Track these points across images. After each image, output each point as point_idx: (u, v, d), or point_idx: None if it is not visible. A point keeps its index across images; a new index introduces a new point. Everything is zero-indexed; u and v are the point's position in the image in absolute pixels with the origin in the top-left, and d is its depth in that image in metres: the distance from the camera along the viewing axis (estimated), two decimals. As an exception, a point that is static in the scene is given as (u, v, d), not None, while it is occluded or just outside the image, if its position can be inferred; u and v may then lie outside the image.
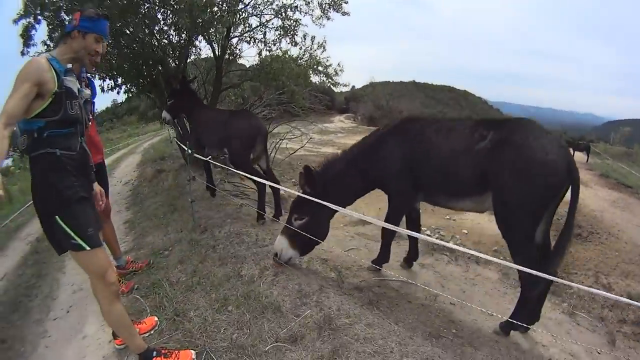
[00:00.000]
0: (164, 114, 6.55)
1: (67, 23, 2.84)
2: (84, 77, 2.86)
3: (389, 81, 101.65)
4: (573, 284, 2.36)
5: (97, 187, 3.01)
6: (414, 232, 3.27)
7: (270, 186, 5.43)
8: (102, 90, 8.55)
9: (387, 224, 3.59)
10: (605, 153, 22.18)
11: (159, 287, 3.99)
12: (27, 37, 7.24)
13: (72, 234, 2.48)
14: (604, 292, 2.24)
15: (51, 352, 3.58)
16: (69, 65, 2.58)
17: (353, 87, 51.29)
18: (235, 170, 5.99)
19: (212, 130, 6.01)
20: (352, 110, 44.81)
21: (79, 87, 2.67)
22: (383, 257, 4.39)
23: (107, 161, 14.64)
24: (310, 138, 14.08)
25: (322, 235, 4.09)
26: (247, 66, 10.49)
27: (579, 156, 18.97)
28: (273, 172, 6.17)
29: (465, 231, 7.24)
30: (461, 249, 2.83)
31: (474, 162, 3.35)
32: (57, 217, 2.48)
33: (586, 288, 2.26)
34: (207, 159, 5.83)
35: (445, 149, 3.51)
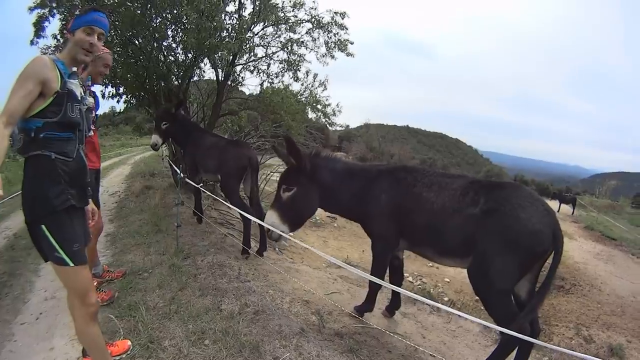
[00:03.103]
0: (155, 138, 6.37)
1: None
2: (88, 86, 2.96)
3: (383, 124, 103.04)
4: (548, 345, 2.38)
5: (91, 204, 2.89)
6: (398, 288, 3.18)
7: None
8: (103, 96, 8.52)
9: (373, 275, 3.61)
10: (591, 205, 22.42)
11: (135, 310, 3.87)
12: (39, 27, 7.30)
13: (57, 246, 2.37)
14: (577, 353, 2.22)
15: (16, 357, 3.47)
16: (74, 69, 2.55)
17: (347, 126, 51.82)
18: (221, 200, 5.97)
19: (210, 155, 5.99)
20: (344, 150, 45.18)
21: (82, 93, 2.64)
22: (367, 306, 4.31)
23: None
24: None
25: (310, 208, 4.02)
26: (247, 94, 10.58)
27: (565, 209, 19.20)
28: (261, 206, 6.11)
29: (448, 279, 7.23)
30: (442, 306, 2.80)
31: (461, 226, 3.32)
32: (43, 225, 2.38)
33: (560, 349, 2.27)
34: (198, 185, 5.80)
35: (435, 207, 3.47)
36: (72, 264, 2.40)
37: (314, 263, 7.94)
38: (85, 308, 2.52)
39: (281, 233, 3.82)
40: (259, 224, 5.65)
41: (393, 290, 4.37)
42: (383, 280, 3.93)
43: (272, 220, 3.82)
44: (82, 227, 2.62)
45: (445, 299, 6.52)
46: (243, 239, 5.59)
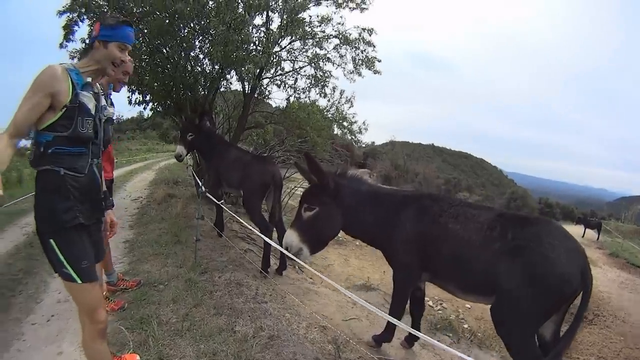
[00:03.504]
0: (180, 149, 6.35)
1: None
2: (109, 94, 2.88)
3: (408, 142, 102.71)
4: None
5: (109, 215, 2.87)
6: (415, 331, 3.00)
7: (279, 237, 5.31)
8: (130, 102, 8.59)
9: (393, 306, 3.62)
10: (616, 231, 21.90)
11: (147, 323, 3.77)
12: (68, 31, 7.35)
13: (65, 262, 2.30)
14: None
15: (23, 357, 3.44)
16: (88, 79, 2.40)
17: (373, 143, 51.71)
18: (242, 222, 5.90)
19: (233, 169, 5.94)
20: (369, 167, 45.01)
21: (100, 104, 2.53)
22: (385, 336, 4.11)
23: (121, 172, 14.72)
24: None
25: (333, 230, 3.82)
26: (274, 107, 10.55)
27: (590, 234, 18.67)
28: (283, 224, 5.99)
29: (469, 305, 7.03)
30: (456, 352, 2.63)
31: (487, 262, 3.13)
32: (51, 240, 2.31)
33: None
34: (220, 202, 5.72)
35: (460, 241, 3.29)
36: (79, 282, 2.32)
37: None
38: (94, 325, 2.45)
39: (294, 257, 3.66)
40: (278, 238, 5.59)
41: (412, 320, 4.19)
42: (403, 312, 3.78)
43: (291, 239, 3.66)
44: (94, 243, 2.55)
45: (465, 326, 6.30)
46: (263, 257, 5.49)
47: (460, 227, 3.32)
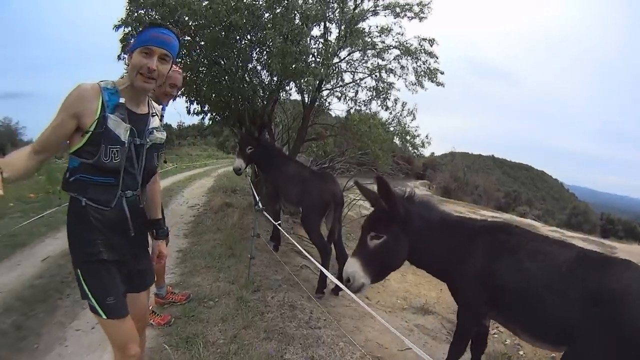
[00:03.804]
0: (239, 162, 6.22)
1: None
2: (161, 115, 2.51)
3: (468, 152, 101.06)
4: None
5: (160, 246, 2.66)
6: None
7: (337, 257, 5.32)
8: (188, 112, 8.68)
9: (454, 346, 3.36)
10: None
11: (193, 343, 3.67)
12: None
13: (90, 294, 2.15)
14: None
15: None
16: (120, 100, 2.13)
17: (432, 154, 50.97)
18: (298, 246, 5.76)
19: (292, 185, 5.82)
20: (428, 178, 44.43)
21: (148, 126, 2.29)
22: None
23: (180, 177, 14.97)
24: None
25: (399, 261, 3.43)
26: (334, 116, 10.41)
27: None
28: (342, 244, 5.82)
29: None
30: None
31: (561, 310, 2.78)
32: (78, 270, 2.17)
33: None
34: (277, 223, 5.58)
35: (535, 282, 2.92)
36: (104, 317, 2.15)
37: (389, 299, 7.54)
38: (125, 359, 2.28)
39: (350, 292, 3.29)
40: (339, 260, 5.42)
41: (473, 356, 3.84)
42: (464, 350, 3.46)
43: (353, 270, 3.26)
44: (133, 274, 2.38)
45: (521, 352, 5.92)
46: (319, 279, 5.31)
47: (535, 266, 2.96)
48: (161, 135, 2.39)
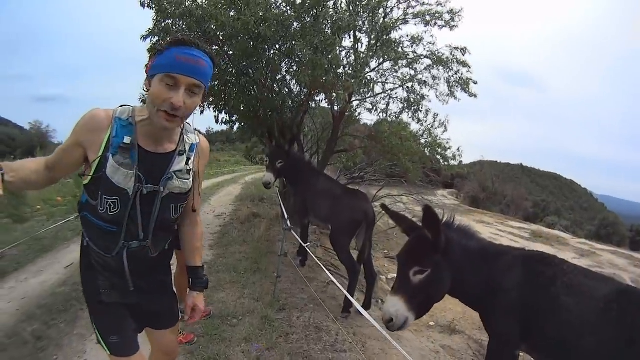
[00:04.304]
0: (269, 176, 6.06)
1: None
2: (188, 153, 1.98)
3: (496, 161, 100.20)
4: None
5: (195, 299, 2.20)
6: None
7: (366, 275, 5.27)
8: (217, 121, 8.60)
9: None
10: None
11: (215, 363, 3.55)
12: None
13: (96, 329, 2.02)
14: None
15: None
16: (126, 139, 1.75)
17: (460, 162, 50.53)
18: (324, 268, 5.68)
19: (322, 201, 5.70)
20: (457, 187, 44.08)
21: (169, 169, 1.88)
22: None
23: (208, 184, 15.07)
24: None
25: (443, 294, 3.15)
26: (363, 124, 10.30)
27: None
28: (372, 264, 5.68)
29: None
30: None
31: (598, 349, 2.62)
32: (86, 303, 2.07)
33: None
34: (305, 245, 5.47)
35: (570, 318, 2.75)
36: (108, 353, 2.01)
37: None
38: None
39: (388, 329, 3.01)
40: (368, 279, 5.33)
41: None
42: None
43: (396, 309, 2.94)
44: (149, 314, 2.19)
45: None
46: (345, 298, 5.11)
47: (572, 301, 2.78)
48: (181, 184, 1.94)
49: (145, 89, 1.75)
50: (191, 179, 1.99)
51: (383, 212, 8.81)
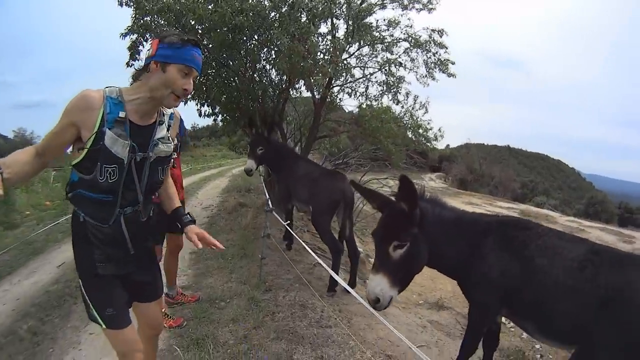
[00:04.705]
0: (250, 163, 6.15)
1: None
2: (171, 121, 2.32)
3: (484, 144, 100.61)
4: None
5: (190, 232, 2.31)
6: None
7: (350, 254, 5.32)
8: (200, 114, 8.64)
9: (465, 344, 3.28)
10: None
11: (203, 344, 3.69)
12: (133, 51, 7.46)
13: (90, 304, 2.15)
14: None
15: None
16: (121, 114, 1.99)
17: (448, 146, 50.64)
18: (308, 249, 5.78)
19: (302, 185, 5.79)
20: (444, 170, 44.29)
21: (154, 137, 2.14)
22: None
23: (195, 178, 15.18)
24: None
25: (422, 266, 3.20)
26: (347, 111, 10.36)
27: None
28: (355, 243, 5.77)
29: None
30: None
31: (573, 308, 2.71)
32: (80, 280, 2.18)
33: None
34: (286, 223, 5.60)
35: (545, 279, 2.84)
36: (104, 326, 2.15)
37: (404, 294, 7.48)
38: None
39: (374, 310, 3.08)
40: (352, 257, 5.45)
41: (484, 354, 3.72)
42: (476, 348, 3.38)
43: (380, 288, 2.96)
44: (137, 286, 2.35)
45: (537, 346, 5.82)
46: (331, 276, 5.20)
47: (547, 263, 2.87)
48: (166, 148, 2.22)
49: (153, 70, 2.02)
50: (172, 142, 2.28)
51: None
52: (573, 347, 2.81)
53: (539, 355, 5.42)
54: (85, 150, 1.96)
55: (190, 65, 2.04)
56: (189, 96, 7.86)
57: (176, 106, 2.20)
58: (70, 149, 2.08)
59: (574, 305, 2.70)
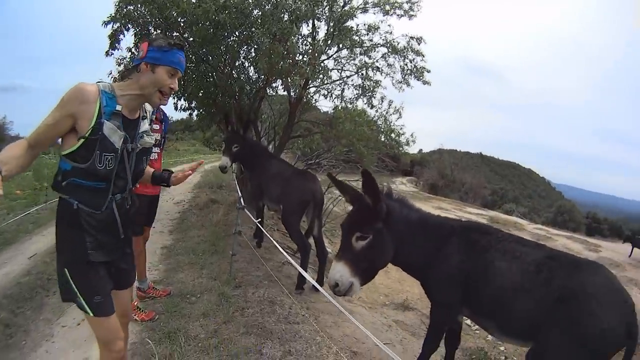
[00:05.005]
0: (225, 160, 6.20)
1: (136, 54, 2.39)
2: (153, 117, 2.60)
3: (456, 150, 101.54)
4: None
5: (177, 175, 2.72)
6: None
7: (318, 254, 5.36)
8: (176, 108, 8.70)
9: (427, 342, 3.44)
10: None
11: (174, 337, 3.75)
12: (114, 40, 7.48)
13: (77, 292, 2.22)
14: None
15: (50, 358, 3.51)
16: (118, 107, 2.18)
17: (420, 150, 51.02)
18: (279, 248, 5.85)
19: (274, 184, 5.86)
20: (416, 174, 44.67)
21: (139, 131, 2.34)
22: None
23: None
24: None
25: (386, 260, 3.32)
26: (322, 112, 10.42)
27: (637, 253, 17.62)
28: (323, 241, 5.87)
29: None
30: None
31: (528, 308, 2.89)
32: (66, 269, 2.23)
33: None
34: (257, 220, 5.64)
35: (504, 281, 3.01)
36: (91, 315, 2.24)
37: (372, 295, 7.61)
38: (110, 353, 2.37)
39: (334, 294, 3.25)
40: (320, 257, 5.52)
41: (446, 353, 3.86)
42: (437, 346, 3.52)
43: (341, 274, 3.10)
44: (118, 273, 2.48)
45: (502, 348, 5.97)
46: (299, 274, 5.27)
47: (506, 266, 3.04)
48: (150, 140, 2.45)
49: (143, 70, 2.22)
50: (153, 135, 2.52)
51: (339, 197, 9.02)
52: (530, 345, 2.95)
53: (503, 357, 5.58)
54: (83, 139, 2.09)
55: (176, 67, 2.27)
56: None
57: (161, 104, 2.38)
58: (60, 139, 2.18)
59: (530, 305, 2.87)
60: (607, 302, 2.69)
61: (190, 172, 2.77)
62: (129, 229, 2.50)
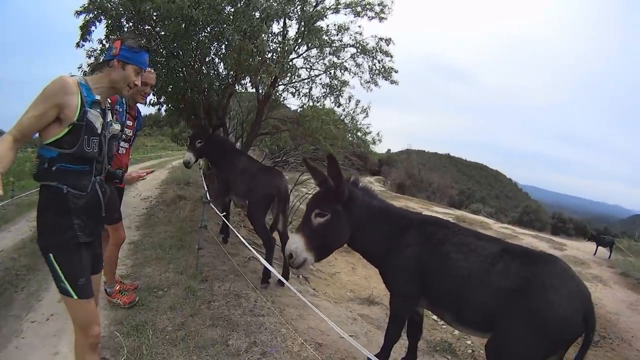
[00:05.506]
0: (189, 156, 6.29)
1: (107, 50, 2.68)
2: (117, 110, 2.98)
3: (424, 150, 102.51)
4: None
5: (130, 175, 3.22)
6: None
7: (283, 249, 5.31)
8: (144, 102, 8.60)
9: (388, 332, 3.56)
10: (629, 249, 20.96)
11: (142, 330, 3.81)
12: (85, 31, 7.39)
13: (63, 277, 2.33)
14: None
15: (20, 355, 3.49)
16: (97, 97, 2.42)
17: (389, 150, 51.36)
18: (242, 238, 5.90)
19: (241, 179, 5.93)
20: (383, 174, 44.94)
21: (106, 121, 2.53)
22: (381, 357, 3.99)
23: (135, 169, 15.01)
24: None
25: (341, 240, 3.51)
26: (291, 110, 10.47)
27: (602, 252, 18.22)
28: (288, 236, 5.90)
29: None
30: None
31: (486, 298, 3.01)
32: (51, 254, 2.33)
33: None
34: (222, 215, 5.69)
35: (461, 272, 3.13)
36: (75, 297, 2.36)
37: (338, 291, 7.72)
38: (86, 339, 2.48)
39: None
40: (282, 249, 5.55)
41: (410, 342, 4.00)
42: (398, 336, 3.66)
43: (296, 246, 3.32)
44: (94, 257, 2.61)
45: (469, 342, 6.13)
46: (264, 268, 5.37)
47: (462, 258, 3.17)
48: (117, 127, 2.74)
49: (110, 65, 2.51)
50: (118, 123, 2.80)
51: (307, 195, 9.10)
52: (488, 335, 3.07)
53: (470, 351, 5.73)
54: (70, 126, 2.28)
55: (142, 67, 2.61)
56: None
57: (126, 95, 3.00)
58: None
59: (486, 296, 2.99)
60: (564, 292, 2.81)
61: (144, 173, 3.31)
62: (107, 210, 2.67)
